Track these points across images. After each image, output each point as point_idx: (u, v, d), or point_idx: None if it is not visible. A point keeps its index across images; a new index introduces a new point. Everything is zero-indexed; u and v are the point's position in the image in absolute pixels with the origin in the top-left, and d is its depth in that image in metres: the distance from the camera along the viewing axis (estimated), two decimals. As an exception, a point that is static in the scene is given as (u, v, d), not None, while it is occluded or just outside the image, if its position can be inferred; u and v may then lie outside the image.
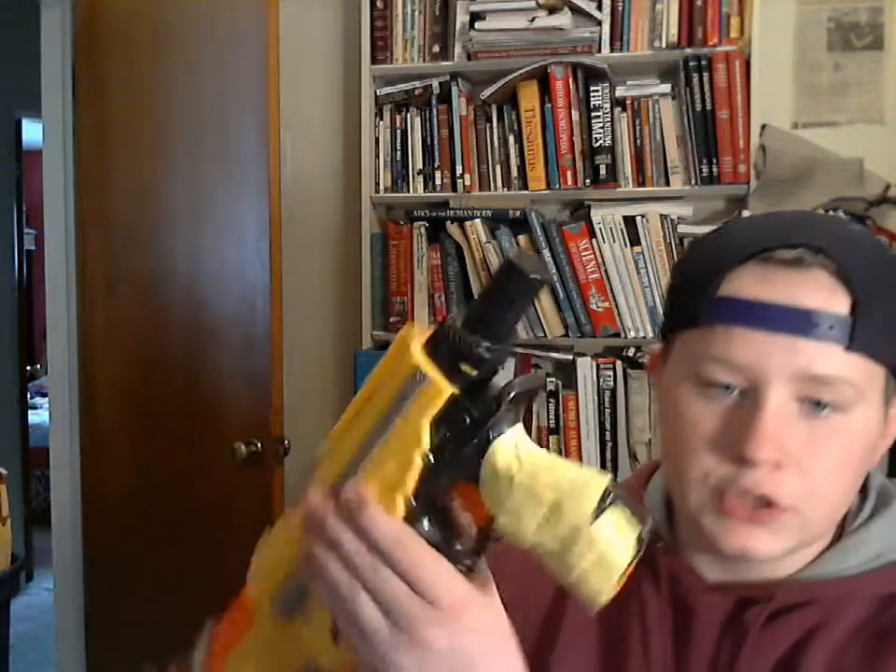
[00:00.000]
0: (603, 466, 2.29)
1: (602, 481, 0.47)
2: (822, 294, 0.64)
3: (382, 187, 2.45)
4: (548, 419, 2.32)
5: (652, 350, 0.76)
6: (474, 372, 0.47)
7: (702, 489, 0.66)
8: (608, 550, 0.46)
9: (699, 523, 0.68)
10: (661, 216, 2.27)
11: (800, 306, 0.63)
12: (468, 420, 0.48)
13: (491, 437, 0.48)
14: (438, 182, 2.40)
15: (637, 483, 0.82)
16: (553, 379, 2.33)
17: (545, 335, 2.32)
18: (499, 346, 0.47)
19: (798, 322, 0.63)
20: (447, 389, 0.47)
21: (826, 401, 0.64)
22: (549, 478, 0.47)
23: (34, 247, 5.62)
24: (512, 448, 0.48)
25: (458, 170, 2.37)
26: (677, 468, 0.69)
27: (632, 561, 0.47)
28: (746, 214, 2.18)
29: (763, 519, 0.65)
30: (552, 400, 2.31)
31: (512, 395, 0.48)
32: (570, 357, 2.34)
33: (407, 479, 0.48)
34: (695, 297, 0.68)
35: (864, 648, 0.67)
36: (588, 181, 2.31)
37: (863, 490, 0.74)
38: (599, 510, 0.46)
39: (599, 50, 2.31)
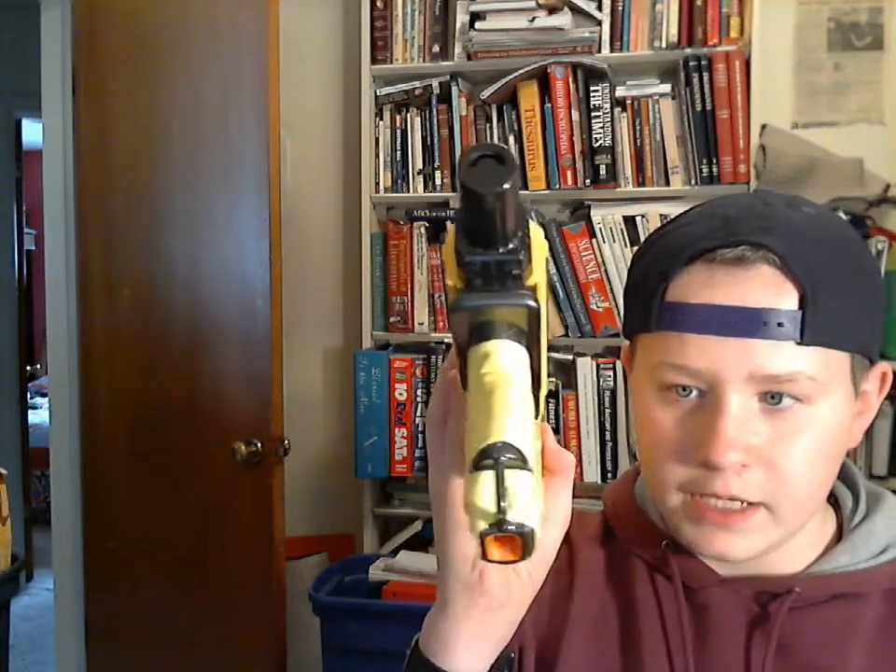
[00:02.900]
0: (603, 466, 2.30)
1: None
2: (769, 291, 0.63)
3: (382, 187, 2.45)
4: (548, 419, 2.32)
5: (623, 345, 0.77)
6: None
7: (675, 495, 0.68)
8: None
9: (678, 528, 0.69)
10: (661, 216, 2.27)
11: (747, 306, 0.63)
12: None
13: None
14: (438, 182, 2.40)
15: (624, 485, 0.82)
16: (554, 379, 2.33)
17: (545, 335, 2.31)
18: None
19: (747, 323, 0.63)
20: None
21: (786, 394, 0.64)
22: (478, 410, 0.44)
23: (34, 247, 5.62)
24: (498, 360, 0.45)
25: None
26: (651, 473, 0.70)
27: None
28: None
29: (735, 521, 0.65)
30: (552, 400, 2.31)
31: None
32: (570, 357, 2.34)
33: None
34: (646, 303, 0.68)
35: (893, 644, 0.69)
36: (588, 181, 2.31)
37: (852, 488, 0.76)
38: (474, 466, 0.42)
39: (599, 50, 2.31)
